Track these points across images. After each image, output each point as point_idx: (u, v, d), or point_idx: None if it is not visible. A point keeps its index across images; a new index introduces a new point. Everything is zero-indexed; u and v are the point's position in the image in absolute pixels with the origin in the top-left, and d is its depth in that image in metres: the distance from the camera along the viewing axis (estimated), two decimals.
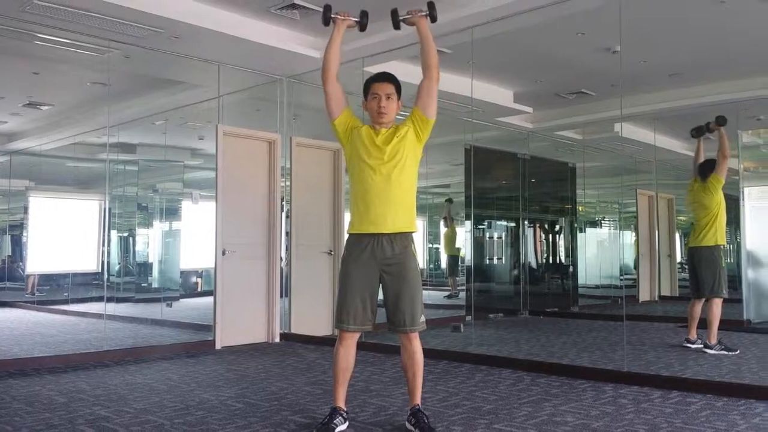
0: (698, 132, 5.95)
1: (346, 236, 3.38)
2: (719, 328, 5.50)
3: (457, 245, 9.01)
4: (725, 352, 5.33)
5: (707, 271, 5.57)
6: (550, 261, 9.54)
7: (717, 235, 5.62)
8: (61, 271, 8.33)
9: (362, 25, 3.43)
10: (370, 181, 3.21)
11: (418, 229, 3.42)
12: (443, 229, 9.19)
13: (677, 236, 7.83)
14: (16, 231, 8.62)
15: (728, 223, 5.92)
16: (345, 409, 3.28)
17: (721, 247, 5.65)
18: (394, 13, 3.42)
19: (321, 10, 3.38)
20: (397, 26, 3.44)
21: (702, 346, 5.51)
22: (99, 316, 6.43)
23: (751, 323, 6.50)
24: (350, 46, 5.85)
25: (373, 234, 3.21)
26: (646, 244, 7.90)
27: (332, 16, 3.35)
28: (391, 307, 3.22)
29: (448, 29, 5.40)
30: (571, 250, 9.26)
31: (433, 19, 3.35)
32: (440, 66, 3.37)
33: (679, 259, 7.68)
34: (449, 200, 9.14)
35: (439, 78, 3.30)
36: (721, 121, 5.70)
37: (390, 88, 3.30)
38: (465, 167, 7.21)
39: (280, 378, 4.63)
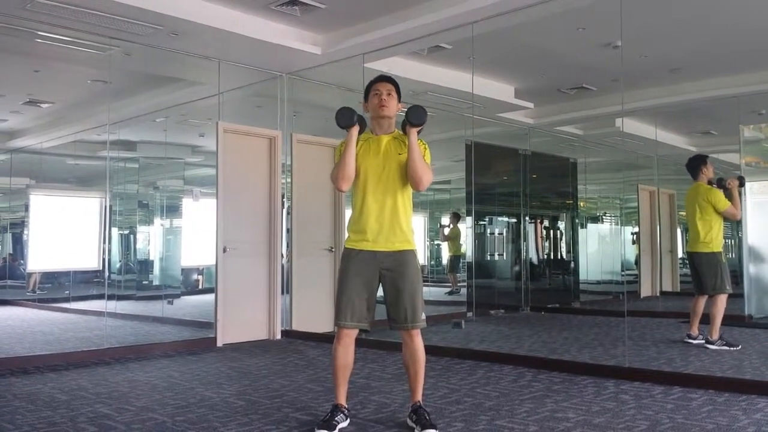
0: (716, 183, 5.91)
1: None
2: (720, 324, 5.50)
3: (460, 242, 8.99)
4: (727, 348, 5.32)
5: (709, 272, 5.55)
6: (552, 257, 9.52)
7: (714, 243, 5.58)
8: (62, 269, 8.33)
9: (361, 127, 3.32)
10: (370, 198, 3.23)
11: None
12: (447, 230, 9.15)
13: (679, 231, 7.82)
14: (17, 229, 8.60)
15: (728, 219, 5.88)
16: (346, 406, 3.29)
17: (719, 252, 5.61)
18: (420, 113, 3.20)
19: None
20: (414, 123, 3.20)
21: (703, 341, 5.50)
22: (100, 313, 6.43)
23: (753, 318, 6.50)
24: (351, 41, 5.84)
25: (372, 251, 3.22)
26: (647, 240, 7.88)
27: (356, 118, 3.22)
28: (392, 303, 3.22)
29: (449, 25, 5.39)
30: (572, 246, 9.25)
31: (413, 125, 3.18)
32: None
33: (680, 254, 7.67)
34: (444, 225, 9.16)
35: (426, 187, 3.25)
36: (742, 182, 5.80)
37: (390, 87, 3.34)
38: (466, 163, 7.19)
39: (282, 375, 4.63)
